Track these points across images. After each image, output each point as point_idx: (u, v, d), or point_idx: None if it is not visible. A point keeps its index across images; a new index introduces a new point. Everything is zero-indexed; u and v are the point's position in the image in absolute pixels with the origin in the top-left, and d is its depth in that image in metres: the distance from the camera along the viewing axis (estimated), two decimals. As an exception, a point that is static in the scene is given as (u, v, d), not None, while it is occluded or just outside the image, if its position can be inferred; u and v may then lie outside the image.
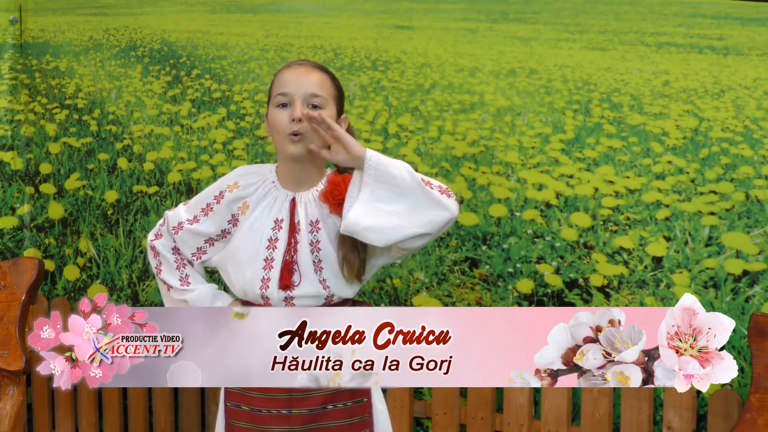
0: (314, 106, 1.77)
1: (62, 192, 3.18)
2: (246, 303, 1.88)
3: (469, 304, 2.54)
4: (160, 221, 1.95)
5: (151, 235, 1.96)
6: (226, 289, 2.03)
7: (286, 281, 1.80)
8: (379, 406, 1.93)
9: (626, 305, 2.37)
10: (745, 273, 2.23)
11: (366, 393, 1.89)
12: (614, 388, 2.32)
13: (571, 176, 2.46)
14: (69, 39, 3.24)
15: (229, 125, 2.94)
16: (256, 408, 1.83)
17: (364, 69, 2.76)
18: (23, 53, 3.28)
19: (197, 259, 1.92)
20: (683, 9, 2.43)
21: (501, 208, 2.53)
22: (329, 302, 1.84)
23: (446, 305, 2.56)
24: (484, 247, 2.55)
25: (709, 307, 2.27)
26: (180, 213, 1.91)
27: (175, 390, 2.92)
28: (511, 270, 2.52)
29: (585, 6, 2.54)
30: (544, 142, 2.50)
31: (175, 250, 1.92)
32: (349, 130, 1.87)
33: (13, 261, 2.29)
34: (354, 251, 1.82)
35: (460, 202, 2.58)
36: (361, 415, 1.88)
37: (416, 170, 2.68)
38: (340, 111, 1.84)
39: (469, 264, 2.57)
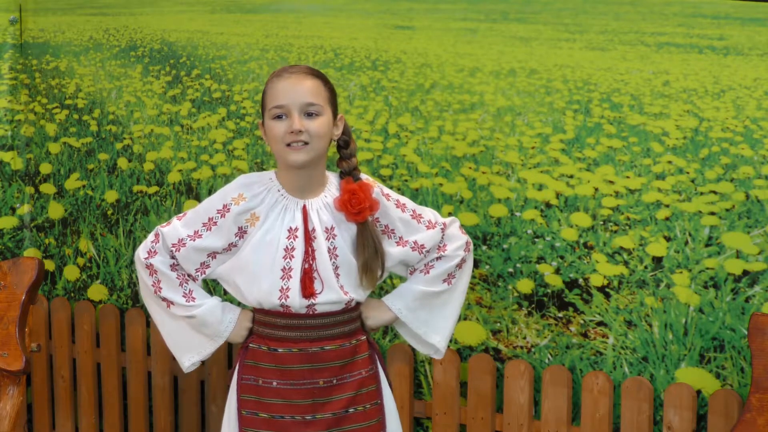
0: (311, 114, 1.76)
1: (62, 192, 3.18)
2: (259, 312, 1.86)
3: (469, 304, 2.55)
4: (151, 238, 1.87)
5: (143, 253, 1.87)
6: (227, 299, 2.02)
7: (309, 290, 1.79)
8: (390, 406, 1.93)
9: (626, 305, 2.37)
10: (745, 273, 2.23)
11: (379, 395, 1.89)
12: (614, 388, 2.32)
13: (571, 176, 2.46)
14: (69, 39, 3.24)
15: (229, 125, 2.95)
16: (277, 415, 1.82)
17: (364, 69, 2.76)
18: (23, 53, 3.28)
19: (201, 275, 1.87)
20: (683, 9, 2.43)
21: (501, 208, 2.53)
22: (348, 307, 1.85)
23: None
24: (484, 247, 2.55)
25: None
26: (178, 229, 1.85)
27: (175, 390, 2.92)
28: (511, 270, 2.52)
29: (585, 6, 2.54)
30: (544, 142, 2.50)
31: (175, 267, 1.86)
32: (345, 129, 1.87)
33: (13, 261, 2.29)
34: (375, 259, 1.82)
35: (461, 202, 2.58)
36: (377, 417, 1.88)
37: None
38: (335, 113, 1.84)
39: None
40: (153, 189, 3.04)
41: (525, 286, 2.50)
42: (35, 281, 2.23)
